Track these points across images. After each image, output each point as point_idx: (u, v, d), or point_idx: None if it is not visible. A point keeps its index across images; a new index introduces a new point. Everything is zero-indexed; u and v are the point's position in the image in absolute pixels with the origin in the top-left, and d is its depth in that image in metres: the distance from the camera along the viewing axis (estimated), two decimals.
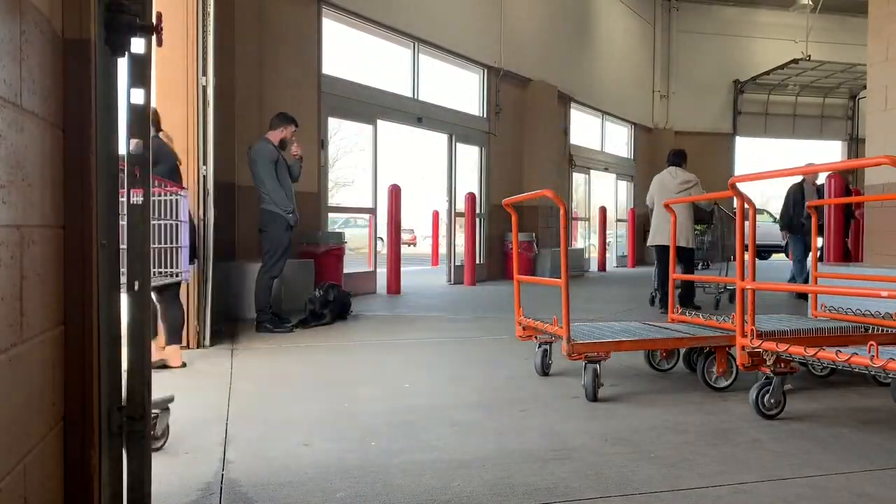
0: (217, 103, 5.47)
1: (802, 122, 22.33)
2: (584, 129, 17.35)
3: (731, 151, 21.33)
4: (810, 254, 6.63)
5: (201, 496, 2.43)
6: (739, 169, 21.31)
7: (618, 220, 19.15)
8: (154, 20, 1.75)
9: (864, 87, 12.59)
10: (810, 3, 19.03)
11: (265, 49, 8.57)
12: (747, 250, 3.60)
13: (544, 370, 4.49)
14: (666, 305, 8.43)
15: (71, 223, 1.62)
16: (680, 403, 3.77)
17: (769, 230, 21.22)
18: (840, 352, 3.06)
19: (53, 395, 1.56)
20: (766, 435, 3.19)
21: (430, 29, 11.67)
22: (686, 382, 4.28)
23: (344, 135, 11.53)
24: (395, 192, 10.03)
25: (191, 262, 3.68)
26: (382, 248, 10.72)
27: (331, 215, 10.21)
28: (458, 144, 12.59)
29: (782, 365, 3.40)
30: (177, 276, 2.96)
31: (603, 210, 16.74)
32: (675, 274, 4.93)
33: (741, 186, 3.54)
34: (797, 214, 9.44)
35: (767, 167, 18.22)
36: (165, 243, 3.02)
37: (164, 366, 4.29)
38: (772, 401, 3.44)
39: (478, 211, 12.47)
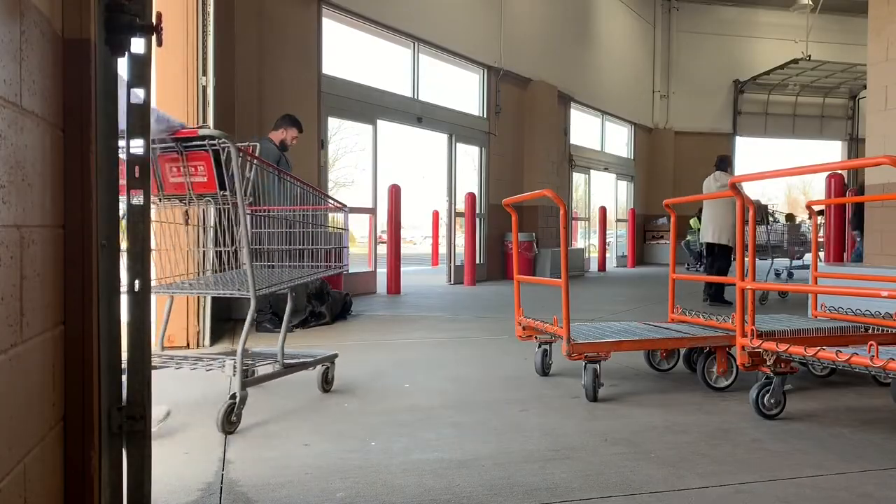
0: (217, 103, 5.47)
1: (802, 122, 22.33)
2: (584, 129, 17.35)
3: (731, 151, 21.33)
4: (809, 255, 6.63)
5: (201, 496, 2.43)
6: (739, 169, 21.32)
7: (618, 220, 19.16)
8: (154, 20, 1.75)
9: (864, 87, 12.58)
10: (810, 3, 19.03)
11: (265, 49, 8.57)
12: (747, 250, 3.61)
13: (544, 370, 4.49)
14: (715, 300, 8.74)
15: (71, 223, 1.62)
16: (680, 403, 3.77)
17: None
18: (840, 352, 3.06)
19: (53, 395, 1.56)
20: (766, 435, 3.19)
21: (430, 29, 11.68)
22: (686, 382, 4.28)
23: (344, 135, 11.55)
24: (395, 192, 10.03)
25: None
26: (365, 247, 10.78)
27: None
28: (458, 144, 12.59)
29: (782, 365, 3.41)
30: (342, 268, 4.06)
31: (603, 210, 16.75)
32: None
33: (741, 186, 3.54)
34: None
35: (767, 167, 18.24)
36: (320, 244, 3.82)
37: None
38: (772, 401, 3.44)
39: (478, 211, 12.47)
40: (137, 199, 1.78)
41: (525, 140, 14.10)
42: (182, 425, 3.32)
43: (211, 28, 5.35)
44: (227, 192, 3.20)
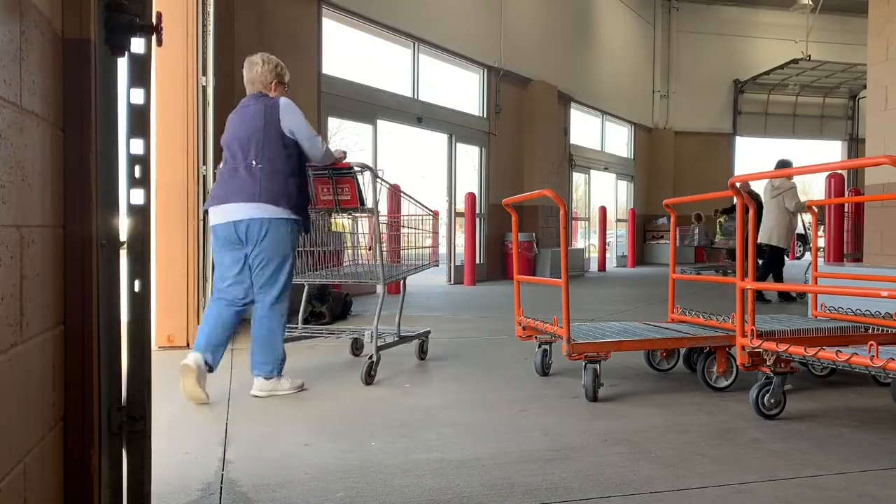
0: (217, 103, 5.47)
1: (802, 122, 22.34)
2: (584, 129, 17.35)
3: (731, 151, 21.34)
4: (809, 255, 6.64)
5: (201, 496, 2.43)
6: (739, 169, 21.33)
7: (618, 220, 19.16)
8: (154, 20, 1.75)
9: (864, 87, 12.58)
10: (810, 3, 19.04)
11: (265, 49, 8.54)
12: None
13: (544, 370, 4.49)
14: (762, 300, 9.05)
15: (71, 223, 1.62)
16: (680, 403, 3.77)
17: None
18: (840, 352, 3.06)
19: (53, 395, 1.56)
20: (766, 435, 3.19)
21: (430, 29, 11.68)
22: (686, 382, 4.28)
23: (344, 135, 11.53)
24: (395, 193, 10.03)
25: None
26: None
27: None
28: (458, 144, 12.59)
29: (782, 365, 3.40)
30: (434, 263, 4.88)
31: (603, 210, 16.75)
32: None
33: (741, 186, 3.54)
34: None
35: (767, 167, 18.24)
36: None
37: None
38: (772, 401, 3.44)
39: (478, 211, 12.47)
40: (137, 199, 1.78)
41: (525, 140, 14.10)
42: (182, 425, 3.32)
43: (211, 28, 5.36)
44: (364, 207, 4.33)
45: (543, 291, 9.43)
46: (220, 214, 3.80)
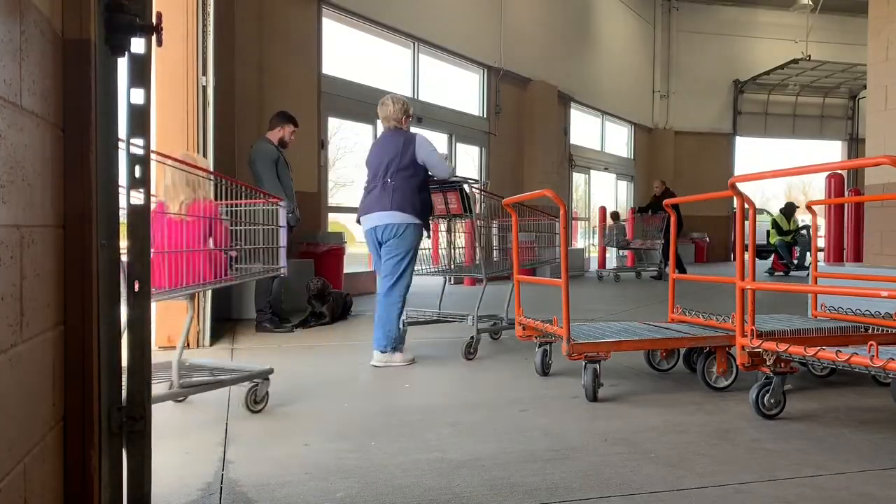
0: (217, 103, 5.47)
1: (802, 122, 22.34)
2: (584, 129, 17.35)
3: (731, 151, 21.35)
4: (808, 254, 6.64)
5: (201, 496, 2.43)
6: (739, 169, 21.33)
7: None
8: (154, 20, 1.75)
9: (864, 87, 12.58)
10: (810, 3, 19.04)
11: (265, 49, 8.57)
12: (747, 250, 3.61)
13: (544, 370, 4.49)
14: None
15: (71, 223, 1.62)
16: (680, 403, 3.77)
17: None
18: (840, 352, 3.06)
19: (53, 395, 1.56)
20: (766, 435, 3.19)
21: (430, 29, 11.68)
22: (686, 382, 4.28)
23: (344, 135, 11.53)
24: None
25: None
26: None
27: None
28: (458, 144, 12.58)
29: (782, 365, 3.40)
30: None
31: (603, 210, 16.73)
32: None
33: (741, 186, 3.54)
34: None
35: (767, 167, 18.24)
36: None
37: None
38: (772, 401, 3.44)
39: (478, 211, 12.46)
40: (137, 199, 1.78)
41: (525, 140, 14.10)
42: (182, 425, 3.32)
43: (211, 28, 5.35)
44: (470, 214, 5.26)
45: (543, 291, 9.43)
46: (366, 222, 4.88)
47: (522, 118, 14.06)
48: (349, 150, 11.64)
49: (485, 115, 13.19)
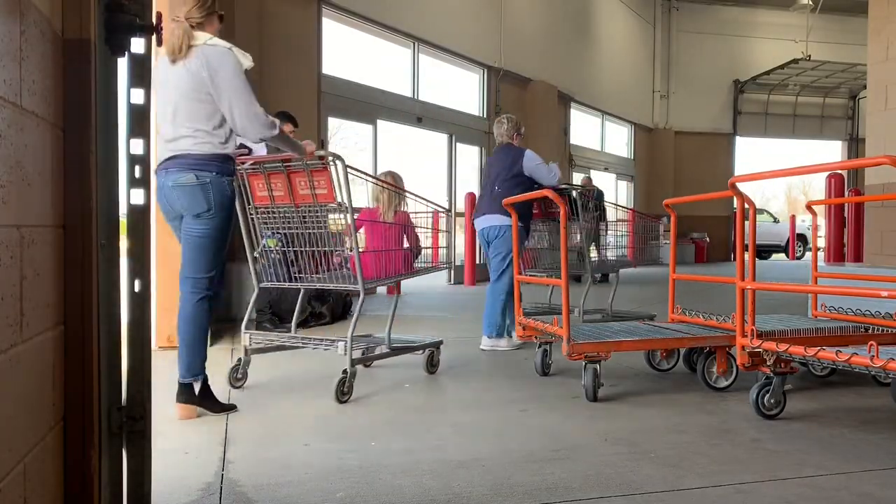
0: None
1: (802, 122, 22.34)
2: (584, 129, 17.35)
3: (731, 151, 21.35)
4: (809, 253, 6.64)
5: (201, 496, 2.43)
6: (739, 169, 21.33)
7: (618, 221, 19.16)
8: (154, 20, 1.75)
9: (864, 87, 12.58)
10: (810, 3, 19.04)
11: (265, 49, 8.57)
12: (747, 250, 3.61)
13: (544, 370, 4.49)
14: None
15: (71, 223, 1.62)
16: (680, 403, 3.77)
17: (768, 230, 21.26)
18: (840, 352, 3.06)
19: (53, 395, 1.56)
20: (766, 435, 3.19)
21: (430, 29, 11.68)
22: (686, 382, 4.28)
23: (344, 135, 11.54)
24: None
25: None
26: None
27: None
28: (458, 144, 12.58)
29: (782, 365, 3.40)
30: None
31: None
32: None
33: (741, 186, 3.54)
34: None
35: (767, 167, 18.24)
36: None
37: None
38: (772, 401, 3.44)
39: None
40: (137, 199, 1.78)
41: (525, 140, 14.10)
42: (182, 425, 3.32)
43: None
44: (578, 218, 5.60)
45: (543, 291, 9.42)
46: (477, 224, 5.61)
47: (522, 118, 14.03)
48: (349, 150, 11.64)
49: (485, 115, 13.19)
